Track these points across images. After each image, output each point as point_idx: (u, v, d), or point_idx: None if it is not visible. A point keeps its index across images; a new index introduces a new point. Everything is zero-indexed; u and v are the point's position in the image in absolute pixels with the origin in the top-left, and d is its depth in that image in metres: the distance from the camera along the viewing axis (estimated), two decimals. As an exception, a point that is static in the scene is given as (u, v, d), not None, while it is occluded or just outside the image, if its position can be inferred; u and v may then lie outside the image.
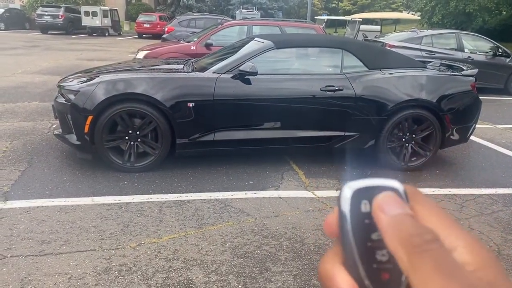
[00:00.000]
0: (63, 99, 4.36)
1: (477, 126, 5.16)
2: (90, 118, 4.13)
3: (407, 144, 4.76)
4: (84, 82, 4.30)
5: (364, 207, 0.37)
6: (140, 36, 27.11)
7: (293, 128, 4.57)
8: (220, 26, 9.63)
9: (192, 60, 5.34)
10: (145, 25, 26.76)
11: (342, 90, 4.52)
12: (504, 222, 3.66)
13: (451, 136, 4.82)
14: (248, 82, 4.39)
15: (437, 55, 10.02)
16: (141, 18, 27.45)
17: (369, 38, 12.53)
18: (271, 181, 4.31)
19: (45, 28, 26.89)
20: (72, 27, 27.37)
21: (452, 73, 4.95)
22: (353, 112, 4.57)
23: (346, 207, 0.37)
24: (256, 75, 4.34)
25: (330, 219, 0.39)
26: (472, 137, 6.05)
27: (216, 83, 4.32)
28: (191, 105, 4.25)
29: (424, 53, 10.05)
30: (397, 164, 4.76)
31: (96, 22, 26.75)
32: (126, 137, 4.29)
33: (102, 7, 27.50)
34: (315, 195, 4.04)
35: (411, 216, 0.34)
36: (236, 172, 4.51)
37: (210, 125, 4.37)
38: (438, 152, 5.19)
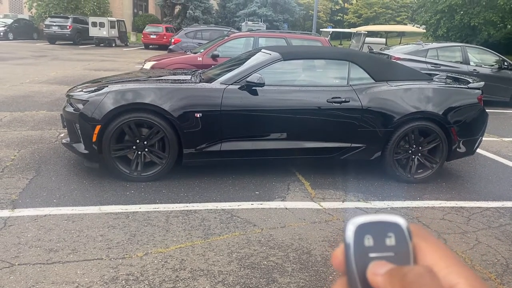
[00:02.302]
0: (72, 109, 4.41)
1: (483, 139, 5.16)
2: (98, 127, 4.16)
3: (413, 156, 4.76)
4: (92, 92, 4.34)
5: (367, 241, 0.40)
6: (147, 47, 27.36)
7: (299, 139, 4.59)
8: (226, 37, 9.71)
9: (199, 71, 5.39)
10: (151, 36, 27.02)
11: (348, 101, 4.54)
12: (511, 236, 3.64)
13: (458, 149, 4.81)
14: (255, 93, 4.42)
15: (442, 68, 10.04)
16: (148, 29, 27.73)
17: (374, 50, 12.59)
18: (277, 192, 4.32)
19: (53, 39, 27.19)
20: (79, 37, 27.67)
21: (458, 86, 4.96)
22: (359, 123, 4.58)
23: (350, 241, 0.40)
24: (263, 86, 4.37)
25: (337, 252, 0.42)
26: (478, 150, 6.05)
27: (223, 93, 4.35)
28: (198, 116, 4.28)
29: (429, 66, 10.08)
30: (404, 176, 4.76)
31: (103, 33, 27.03)
32: (134, 147, 4.31)
33: (110, 18, 27.78)
34: (322, 206, 4.04)
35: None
36: (242, 182, 4.52)
37: (217, 136, 4.40)
38: (445, 165, 5.19)
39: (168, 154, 4.33)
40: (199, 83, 4.56)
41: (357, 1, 41.67)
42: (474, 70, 10.27)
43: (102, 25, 26.89)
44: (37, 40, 29.48)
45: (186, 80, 4.82)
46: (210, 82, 4.54)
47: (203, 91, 4.39)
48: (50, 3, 31.36)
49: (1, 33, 27.89)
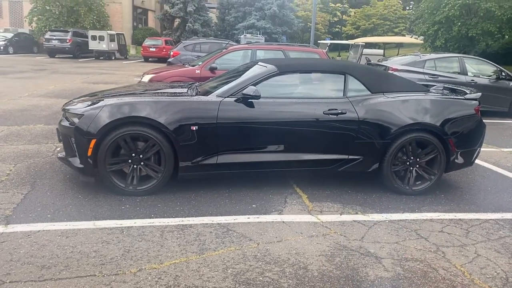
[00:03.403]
0: (67, 123, 4.39)
1: (482, 149, 5.14)
2: (93, 141, 4.14)
3: (411, 168, 4.73)
4: (88, 106, 4.33)
5: None
6: (146, 60, 27.52)
7: (296, 151, 4.56)
8: (224, 50, 9.74)
9: (196, 84, 5.38)
10: (151, 49, 27.19)
11: (345, 113, 4.52)
12: (511, 249, 3.59)
13: (456, 160, 4.78)
14: (251, 105, 4.40)
15: (440, 78, 10.07)
16: (147, 42, 27.92)
17: (372, 61, 12.63)
18: (274, 205, 4.27)
19: (53, 52, 27.37)
20: (79, 51, 27.85)
21: (455, 97, 4.95)
22: (356, 135, 4.55)
23: None
24: (259, 98, 4.36)
25: None
26: (477, 161, 6.02)
27: (219, 106, 4.34)
28: (194, 128, 4.25)
29: (427, 77, 10.10)
30: (402, 188, 4.72)
31: (103, 46, 27.21)
32: (129, 160, 4.28)
33: (109, 32, 27.97)
34: (319, 219, 3.99)
35: None
36: (239, 195, 4.48)
37: (213, 148, 4.37)
38: (443, 176, 5.15)
39: (163, 168, 4.30)
40: (195, 96, 4.55)
41: (355, 13, 41.95)
42: (472, 80, 10.29)
43: (101, 38, 27.07)
44: (37, 54, 29.65)
45: (182, 93, 4.81)
46: (207, 95, 4.53)
47: (199, 103, 4.38)
48: (50, 17, 31.65)
49: (1, 47, 28.07)
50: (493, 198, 4.80)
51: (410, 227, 3.91)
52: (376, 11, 39.63)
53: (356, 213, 4.19)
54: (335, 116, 4.51)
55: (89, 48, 27.39)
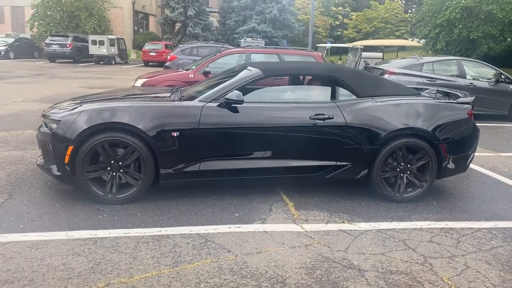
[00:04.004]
0: (46, 129, 4.26)
1: (479, 154, 4.96)
2: (70, 148, 4.01)
3: (402, 175, 4.57)
4: (66, 111, 4.20)
5: None
6: (147, 64, 27.48)
7: (282, 158, 4.41)
8: (218, 54, 9.62)
9: (182, 88, 5.24)
10: (151, 54, 27.15)
11: (332, 118, 4.37)
12: (503, 260, 3.42)
13: (448, 166, 4.62)
14: (235, 110, 4.26)
15: (438, 82, 9.91)
16: (147, 46, 27.90)
17: (370, 65, 12.47)
18: (258, 214, 4.12)
19: (53, 57, 27.40)
20: (79, 55, 27.87)
21: (447, 101, 4.78)
22: (344, 141, 4.40)
23: None
24: (242, 103, 4.21)
25: None
26: (473, 166, 5.85)
27: (201, 111, 4.19)
28: (175, 134, 4.11)
29: (425, 80, 9.94)
30: (392, 195, 4.56)
31: (103, 50, 27.20)
32: (108, 168, 4.14)
33: (109, 36, 27.98)
34: (304, 229, 3.83)
35: None
36: (222, 203, 4.33)
37: (196, 155, 4.23)
38: (437, 182, 4.99)
39: (143, 175, 4.16)
40: (176, 100, 4.41)
41: (356, 17, 41.82)
42: (470, 83, 10.12)
43: (101, 43, 27.07)
44: (38, 58, 29.66)
45: (164, 97, 4.68)
46: (190, 100, 4.39)
47: (180, 109, 4.24)
48: (51, 22, 31.69)
49: (2, 52, 28.11)
50: (488, 206, 4.63)
51: (398, 237, 3.75)
52: (378, 14, 39.46)
53: (343, 222, 4.03)
54: (322, 121, 4.36)
55: (90, 53, 27.39)
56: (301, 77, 5.36)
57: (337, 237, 3.71)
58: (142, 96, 4.68)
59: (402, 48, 35.53)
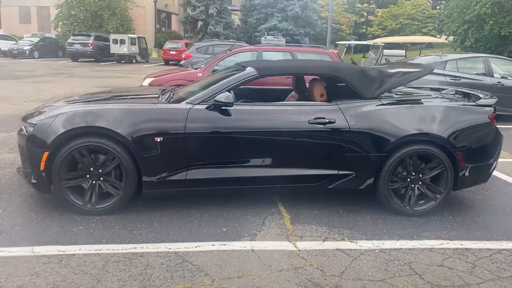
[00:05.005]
0: (26, 132, 3.97)
1: (504, 160, 4.42)
2: (46, 154, 3.70)
3: (412, 185, 4.09)
4: (43, 114, 3.90)
5: None
6: (167, 63, 27.39)
7: (278, 166, 4.00)
8: (228, 52, 9.25)
9: (175, 89, 4.88)
10: (171, 52, 27.03)
11: (333, 122, 3.93)
12: (526, 290, 2.93)
13: (466, 176, 4.10)
14: (226, 113, 3.87)
15: (462, 80, 9.27)
16: (168, 45, 27.83)
17: (390, 62, 11.87)
18: (249, 228, 3.72)
19: (75, 56, 27.67)
20: (101, 54, 28.05)
21: (465, 103, 4.26)
22: (347, 147, 3.95)
23: None
24: (232, 106, 3.82)
25: None
26: (498, 175, 5.31)
27: (188, 115, 3.82)
28: (158, 140, 3.76)
29: (448, 79, 9.30)
30: (401, 208, 4.09)
31: (124, 49, 27.26)
32: (87, 175, 3.83)
33: (130, 35, 28.04)
34: (297, 247, 3.41)
35: None
36: (211, 216, 3.95)
37: (182, 163, 3.86)
38: (454, 193, 4.49)
39: (125, 184, 3.82)
40: (163, 102, 4.05)
41: (382, 13, 40.75)
42: (498, 82, 9.42)
43: (122, 42, 27.14)
44: (62, 58, 30.01)
45: (151, 99, 4.33)
46: (179, 101, 4.03)
47: (164, 112, 3.87)
48: (75, 21, 32.03)
49: (27, 52, 28.55)
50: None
51: (403, 259, 3.28)
52: (404, 11, 38.29)
53: (342, 239, 3.59)
54: (322, 125, 3.92)
55: (111, 52, 27.51)
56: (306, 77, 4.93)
57: (334, 258, 3.27)
58: (128, 98, 4.35)
59: (429, 46, 34.40)
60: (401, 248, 3.46)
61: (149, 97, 4.49)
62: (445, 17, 29.83)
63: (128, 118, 3.74)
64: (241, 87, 4.19)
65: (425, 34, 36.24)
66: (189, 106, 3.88)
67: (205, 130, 3.85)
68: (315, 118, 3.93)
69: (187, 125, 3.79)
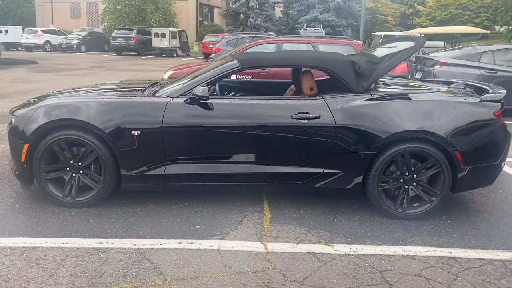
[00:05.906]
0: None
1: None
2: (26, 146, 3.73)
3: (406, 186, 3.79)
4: (27, 106, 3.94)
5: None
6: (206, 56, 27.50)
7: (260, 163, 3.83)
8: (248, 44, 9.10)
9: (165, 82, 4.78)
10: (210, 46, 27.10)
11: (318, 117, 3.70)
12: (508, 309, 2.61)
13: (466, 178, 3.74)
14: (206, 107, 3.74)
15: (499, 73, 8.63)
16: (207, 38, 28.01)
17: (422, 54, 11.25)
18: (223, 227, 3.58)
19: (119, 50, 28.48)
20: (143, 48, 28.69)
21: (466, 98, 3.88)
22: (333, 144, 3.72)
23: None
24: (207, 99, 3.69)
25: None
26: (508, 171, 4.86)
27: (166, 108, 3.73)
28: (136, 133, 3.69)
29: (483, 72, 8.70)
30: (392, 210, 3.80)
31: (165, 43, 27.70)
32: (67, 168, 3.83)
33: (171, 29, 28.44)
34: (266, 249, 3.24)
35: None
36: (190, 211, 3.85)
37: (160, 157, 3.78)
38: (458, 194, 4.14)
39: (103, 177, 3.79)
40: (142, 96, 3.98)
41: (431, 3, 38.94)
42: (540, 76, 8.67)
43: (163, 36, 27.59)
44: (107, 51, 30.98)
45: (133, 93, 4.27)
46: (160, 95, 3.93)
47: (142, 105, 3.80)
48: (120, 16, 32.94)
49: (74, 46, 29.74)
50: (517, 229, 3.71)
51: (378, 267, 3.03)
52: (454, 0, 36.42)
53: (319, 242, 3.38)
54: (306, 121, 3.70)
55: (152, 46, 28.06)
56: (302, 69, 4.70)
57: (302, 262, 3.08)
58: (114, 91, 4.31)
59: (484, 37, 32.52)
60: (379, 254, 3.21)
61: (134, 90, 4.44)
62: (498, 6, 28.14)
63: (106, 111, 3.69)
64: (242, 80, 4.06)
65: (477, 24, 34.31)
66: (168, 99, 3.79)
67: (184, 124, 3.75)
68: (298, 113, 3.71)
69: (165, 119, 3.70)
